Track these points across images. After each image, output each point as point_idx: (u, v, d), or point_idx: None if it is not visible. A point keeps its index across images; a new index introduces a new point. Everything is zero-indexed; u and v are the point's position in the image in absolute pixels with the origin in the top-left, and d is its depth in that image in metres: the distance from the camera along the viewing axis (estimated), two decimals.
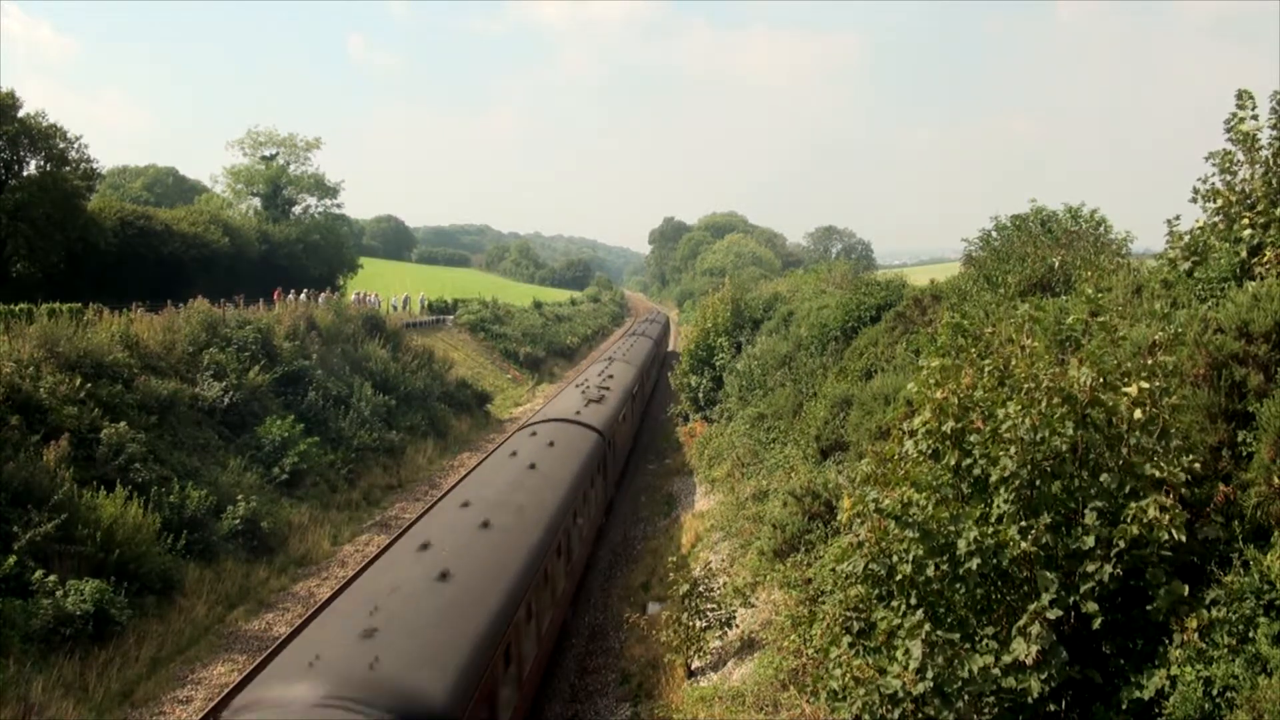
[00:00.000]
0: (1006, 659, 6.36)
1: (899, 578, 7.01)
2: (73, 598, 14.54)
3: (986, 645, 6.62)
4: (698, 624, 13.61)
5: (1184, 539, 6.29)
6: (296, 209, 62.04)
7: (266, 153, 61.50)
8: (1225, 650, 6.02)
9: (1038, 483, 6.77)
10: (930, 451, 7.49)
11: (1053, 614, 6.31)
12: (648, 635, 15.22)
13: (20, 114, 36.48)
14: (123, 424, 19.49)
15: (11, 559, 14.42)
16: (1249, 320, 7.56)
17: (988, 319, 11.80)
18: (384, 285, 68.94)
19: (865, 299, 23.12)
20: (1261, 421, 6.88)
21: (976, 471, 7.14)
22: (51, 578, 14.68)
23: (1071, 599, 6.50)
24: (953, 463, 7.24)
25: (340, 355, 33.94)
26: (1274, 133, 9.60)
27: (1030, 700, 6.32)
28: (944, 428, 7.21)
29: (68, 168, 37.79)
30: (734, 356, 33.06)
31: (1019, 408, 6.84)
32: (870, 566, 7.21)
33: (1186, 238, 10.52)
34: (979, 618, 6.95)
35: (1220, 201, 9.93)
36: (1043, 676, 6.25)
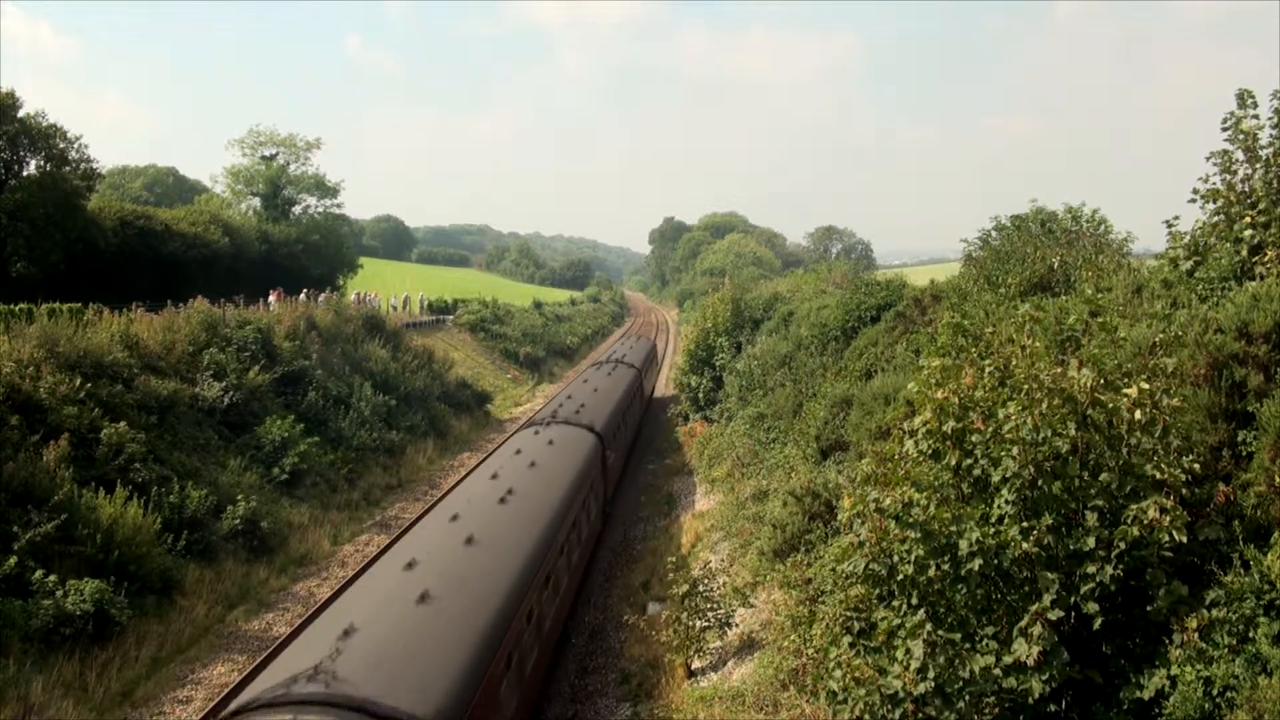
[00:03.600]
0: (1007, 659, 6.37)
1: (900, 578, 7.01)
2: (73, 598, 14.54)
3: (987, 645, 6.63)
4: (697, 624, 13.61)
5: (1184, 540, 6.30)
6: (296, 209, 61.99)
7: (266, 153, 61.48)
8: (1225, 650, 6.03)
9: (1039, 483, 6.78)
10: (931, 451, 7.49)
11: (1054, 614, 6.31)
12: (648, 635, 15.22)
13: (20, 114, 36.48)
14: (123, 424, 19.48)
15: (11, 559, 14.42)
16: (1249, 320, 7.57)
17: (988, 319, 11.80)
18: (384, 285, 68.96)
19: (865, 299, 23.14)
20: (1261, 421, 6.89)
21: (977, 472, 7.15)
22: (51, 578, 14.67)
23: (1072, 599, 6.50)
24: (953, 463, 7.24)
25: (340, 355, 33.93)
26: (1274, 132, 9.60)
27: (1031, 700, 6.33)
28: (945, 428, 7.22)
29: (67, 168, 37.75)
30: (734, 356, 33.06)
31: (1020, 408, 6.85)
32: (871, 566, 7.21)
33: (1187, 237, 10.53)
34: (980, 618, 6.95)
35: (1220, 201, 9.94)
36: (1044, 677, 6.25)
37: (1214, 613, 6.20)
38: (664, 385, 50.84)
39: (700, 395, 34.58)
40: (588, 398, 25.84)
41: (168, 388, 22.70)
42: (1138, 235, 17.85)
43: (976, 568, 6.58)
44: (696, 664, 13.86)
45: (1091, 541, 6.49)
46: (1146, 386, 6.74)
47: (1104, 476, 6.77)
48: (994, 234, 20.42)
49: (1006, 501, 6.84)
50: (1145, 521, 6.27)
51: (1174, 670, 6.15)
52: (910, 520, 6.83)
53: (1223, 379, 7.37)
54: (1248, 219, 9.39)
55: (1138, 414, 6.69)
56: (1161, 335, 7.88)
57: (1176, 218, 10.84)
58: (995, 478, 6.93)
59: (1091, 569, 6.44)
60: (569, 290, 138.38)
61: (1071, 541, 6.60)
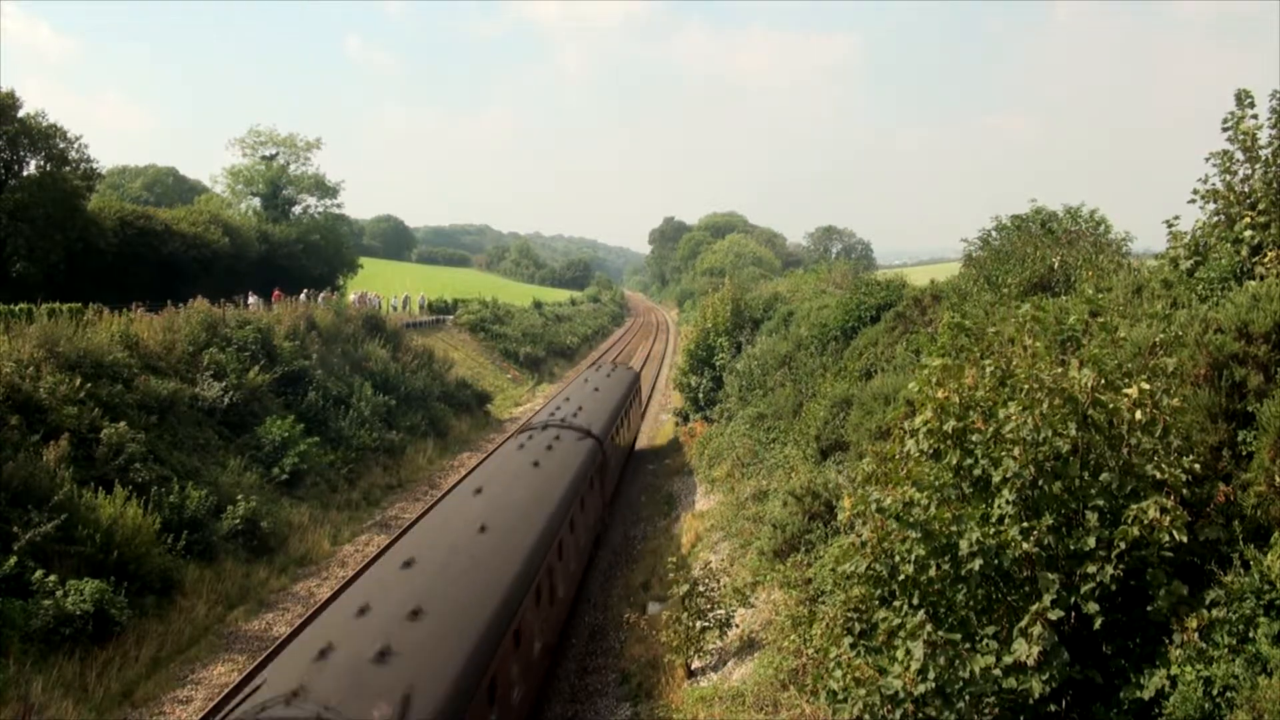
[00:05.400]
0: (1008, 659, 6.37)
1: (901, 578, 7.01)
2: (73, 598, 14.54)
3: (988, 646, 6.63)
4: (698, 624, 13.61)
5: (1184, 540, 6.30)
6: (296, 209, 61.91)
7: (266, 153, 61.41)
8: (1225, 650, 6.03)
9: (1039, 483, 6.78)
10: (931, 451, 7.49)
11: (1054, 614, 6.31)
12: (648, 635, 15.22)
13: (20, 114, 36.46)
14: (123, 424, 19.48)
15: (11, 559, 14.42)
16: (1249, 320, 7.57)
17: (988, 319, 11.81)
18: (384, 285, 68.88)
19: (865, 299, 23.14)
20: (1261, 421, 6.89)
21: (978, 472, 7.14)
22: (51, 578, 14.67)
23: (1072, 599, 6.50)
24: (954, 462, 7.24)
25: (340, 355, 33.93)
26: (1274, 132, 9.60)
27: (1031, 701, 6.33)
28: (945, 427, 7.21)
29: (68, 168, 37.72)
30: (734, 356, 33.07)
31: (1020, 408, 6.85)
32: (872, 567, 7.21)
33: (1188, 237, 10.54)
34: (980, 618, 6.95)
35: (1220, 202, 9.94)
36: (1044, 677, 6.25)
37: (1214, 613, 6.20)
38: (661, 394, 50.59)
39: (700, 395, 34.59)
40: (461, 549, 11.82)
41: (168, 388, 22.70)
42: (1136, 235, 17.89)
43: (977, 568, 6.58)
44: (696, 664, 13.85)
45: (1092, 541, 6.49)
46: (1147, 386, 6.74)
47: (1104, 476, 6.77)
48: (994, 234, 20.44)
49: (1007, 501, 6.83)
50: (1145, 521, 6.27)
51: (1174, 670, 6.15)
52: (911, 520, 6.82)
53: (1223, 379, 7.37)
54: (1247, 219, 9.39)
55: (1138, 414, 6.69)
56: (1162, 335, 7.88)
57: (1176, 218, 10.85)
58: (996, 478, 6.92)
59: (1092, 569, 6.44)
60: (569, 290, 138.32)
61: (1072, 541, 6.60)
